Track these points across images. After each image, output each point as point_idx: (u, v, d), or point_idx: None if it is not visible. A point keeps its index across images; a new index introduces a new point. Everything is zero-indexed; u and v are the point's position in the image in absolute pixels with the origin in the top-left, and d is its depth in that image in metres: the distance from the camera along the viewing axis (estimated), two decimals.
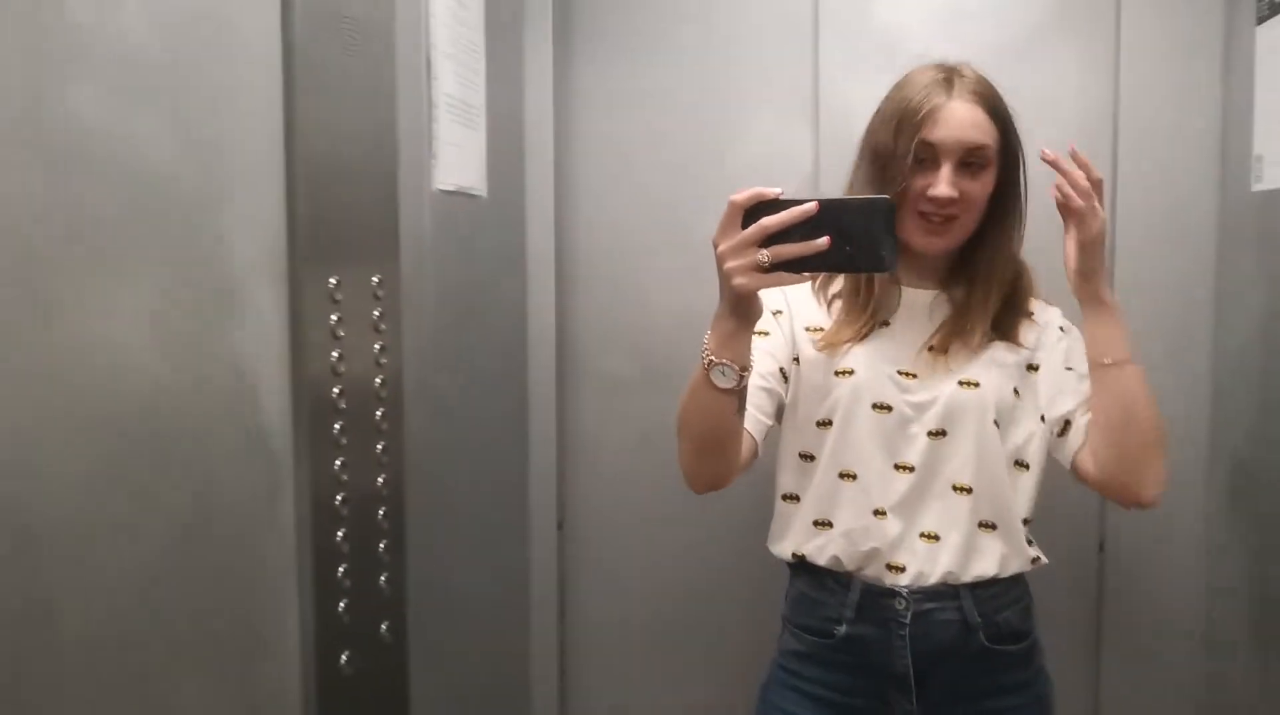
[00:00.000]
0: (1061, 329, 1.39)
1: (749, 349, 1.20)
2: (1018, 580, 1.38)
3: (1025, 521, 1.36)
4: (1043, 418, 1.35)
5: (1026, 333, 1.37)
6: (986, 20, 1.71)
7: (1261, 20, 1.50)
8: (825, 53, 1.76)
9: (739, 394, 1.21)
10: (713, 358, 1.18)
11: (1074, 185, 1.25)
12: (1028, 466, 1.34)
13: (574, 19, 1.83)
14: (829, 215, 1.10)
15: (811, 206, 1.09)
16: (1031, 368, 1.36)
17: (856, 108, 1.73)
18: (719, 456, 1.28)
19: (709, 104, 1.80)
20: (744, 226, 1.11)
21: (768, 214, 1.10)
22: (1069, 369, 1.36)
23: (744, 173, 1.80)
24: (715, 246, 1.13)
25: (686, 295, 1.84)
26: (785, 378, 1.38)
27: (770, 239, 1.10)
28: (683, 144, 1.82)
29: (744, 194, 1.11)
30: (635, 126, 1.83)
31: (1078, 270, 1.29)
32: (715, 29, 1.80)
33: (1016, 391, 1.34)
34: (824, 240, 1.09)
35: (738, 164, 1.81)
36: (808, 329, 1.39)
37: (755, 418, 1.33)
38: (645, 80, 1.83)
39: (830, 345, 1.36)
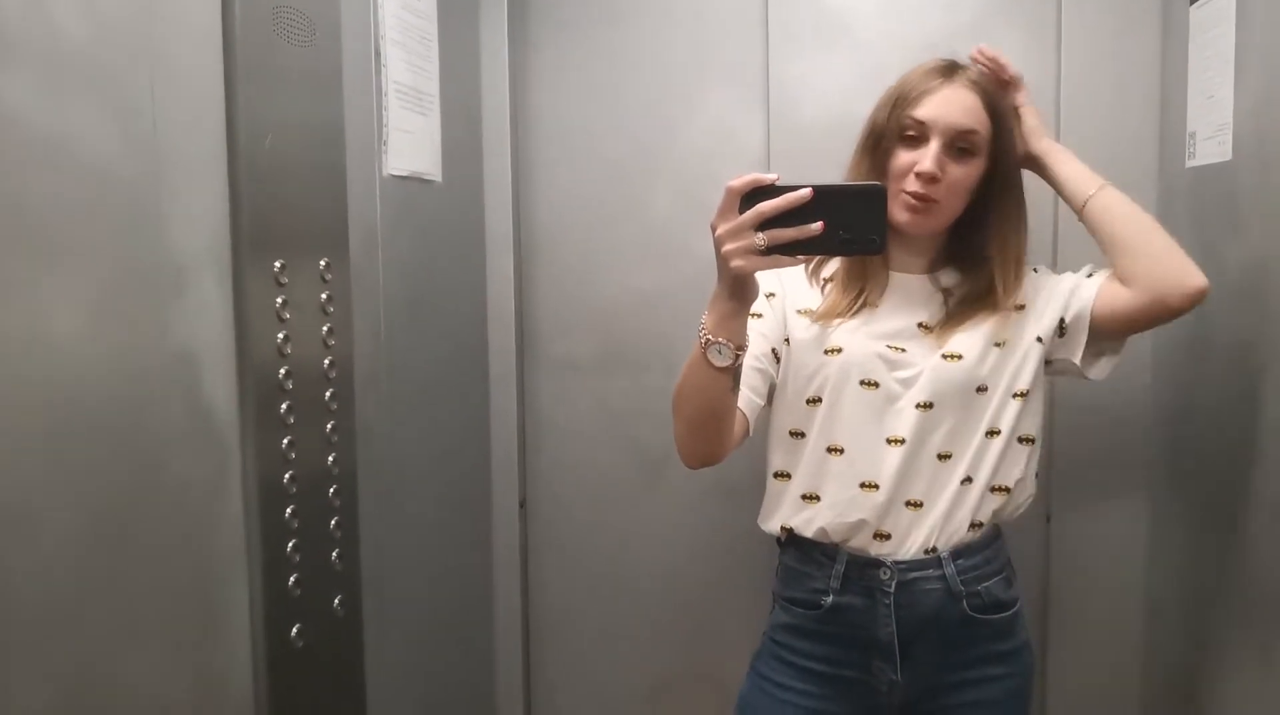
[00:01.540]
0: (1035, 270, 1.46)
1: (745, 328, 1.23)
2: (999, 551, 1.43)
3: (1001, 489, 1.40)
4: (1039, 339, 1.39)
5: (1021, 293, 1.42)
6: (931, 4, 1.74)
7: (1194, 1, 1.54)
8: (775, 35, 1.78)
9: (734, 372, 1.25)
10: (710, 337, 1.22)
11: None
12: (999, 432, 1.38)
13: (530, 4, 1.85)
14: (823, 200, 1.14)
15: (806, 192, 1.13)
16: (1018, 307, 1.41)
17: (805, 89, 1.79)
18: (714, 433, 1.32)
19: (663, 86, 1.83)
20: (741, 212, 1.14)
21: (764, 199, 1.14)
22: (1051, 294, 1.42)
23: (698, 153, 1.83)
24: (713, 230, 1.17)
25: (644, 275, 1.88)
26: (777, 358, 1.42)
27: (766, 223, 1.14)
28: (638, 125, 1.85)
29: (741, 180, 1.15)
30: (592, 109, 1.86)
31: (1031, 128, 1.43)
32: (668, 12, 1.82)
33: (1000, 343, 1.38)
34: (818, 224, 1.13)
35: (691, 145, 1.84)
36: (799, 311, 1.43)
37: (748, 397, 1.37)
38: (601, 63, 1.85)
39: (822, 317, 1.40)
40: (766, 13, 1.79)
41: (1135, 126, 1.71)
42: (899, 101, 1.35)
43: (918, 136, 1.34)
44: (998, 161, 1.37)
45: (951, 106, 1.33)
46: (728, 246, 1.15)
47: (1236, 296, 1.42)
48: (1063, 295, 1.41)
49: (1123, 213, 1.37)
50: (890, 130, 1.35)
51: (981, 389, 1.38)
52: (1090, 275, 1.42)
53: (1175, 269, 1.33)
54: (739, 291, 1.19)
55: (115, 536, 0.89)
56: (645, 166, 1.86)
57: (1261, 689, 1.35)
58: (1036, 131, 1.44)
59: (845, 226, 1.15)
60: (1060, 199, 1.47)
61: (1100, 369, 1.43)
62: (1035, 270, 1.46)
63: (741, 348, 1.23)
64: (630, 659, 1.96)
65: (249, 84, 1.03)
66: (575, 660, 1.97)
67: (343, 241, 1.21)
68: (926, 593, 1.37)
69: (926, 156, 1.32)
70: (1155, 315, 1.36)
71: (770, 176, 1.15)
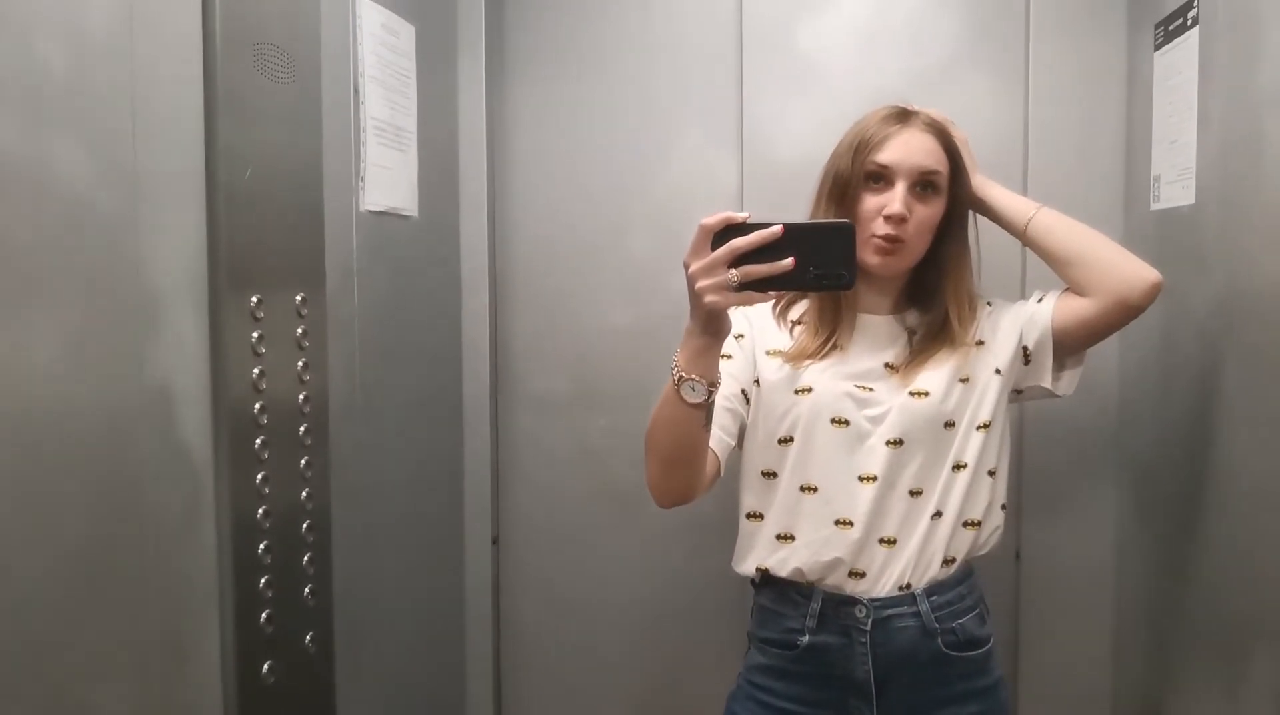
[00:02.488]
0: (989, 304, 1.49)
1: (717, 365, 1.25)
2: (972, 588, 1.44)
3: (971, 523, 1.41)
4: (997, 371, 1.42)
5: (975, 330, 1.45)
6: (902, 49, 1.78)
7: (1158, 47, 1.58)
8: (749, 77, 1.81)
9: (707, 408, 1.26)
10: (682, 373, 1.23)
11: None
12: (966, 466, 1.40)
13: (507, 43, 1.88)
14: (793, 238, 1.16)
15: (777, 229, 1.15)
16: (979, 343, 1.44)
17: (778, 129, 1.81)
18: (686, 471, 1.33)
19: (639, 126, 1.86)
20: (713, 249, 1.16)
21: (736, 237, 1.15)
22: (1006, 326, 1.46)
23: (672, 192, 1.85)
24: (686, 267, 1.18)
25: (620, 313, 1.89)
26: (747, 399, 1.43)
27: (739, 260, 1.15)
28: (614, 164, 1.87)
29: (714, 218, 1.16)
30: (568, 147, 1.88)
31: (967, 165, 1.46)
32: (645, 55, 1.85)
33: (964, 379, 1.41)
34: (789, 261, 1.15)
35: (666, 183, 1.86)
36: (769, 352, 1.44)
37: (719, 436, 1.38)
38: (577, 102, 1.87)
39: (793, 358, 1.42)
40: (740, 56, 1.82)
41: (1101, 170, 1.75)
42: (860, 148, 1.38)
43: (882, 181, 1.37)
44: (954, 200, 1.41)
45: (913, 149, 1.36)
46: (700, 283, 1.17)
47: (1200, 337, 1.45)
48: (1020, 324, 1.44)
49: (1064, 228, 1.42)
50: (855, 176, 1.37)
51: (949, 424, 1.40)
52: (1040, 300, 1.45)
53: (1129, 270, 1.38)
54: (712, 327, 1.21)
55: (88, 570, 0.88)
56: (621, 205, 1.88)
57: None
58: (972, 167, 1.48)
59: (816, 263, 1.17)
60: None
61: (1066, 383, 1.47)
62: (989, 304, 1.49)
63: (714, 384, 1.24)
64: (603, 698, 1.94)
65: (229, 119, 1.04)
66: (548, 698, 1.96)
67: (319, 276, 1.21)
68: (902, 630, 1.38)
69: (895, 198, 1.35)
70: (1118, 317, 1.40)
71: (741, 215, 1.17)
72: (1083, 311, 1.40)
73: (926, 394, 1.39)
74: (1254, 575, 1.29)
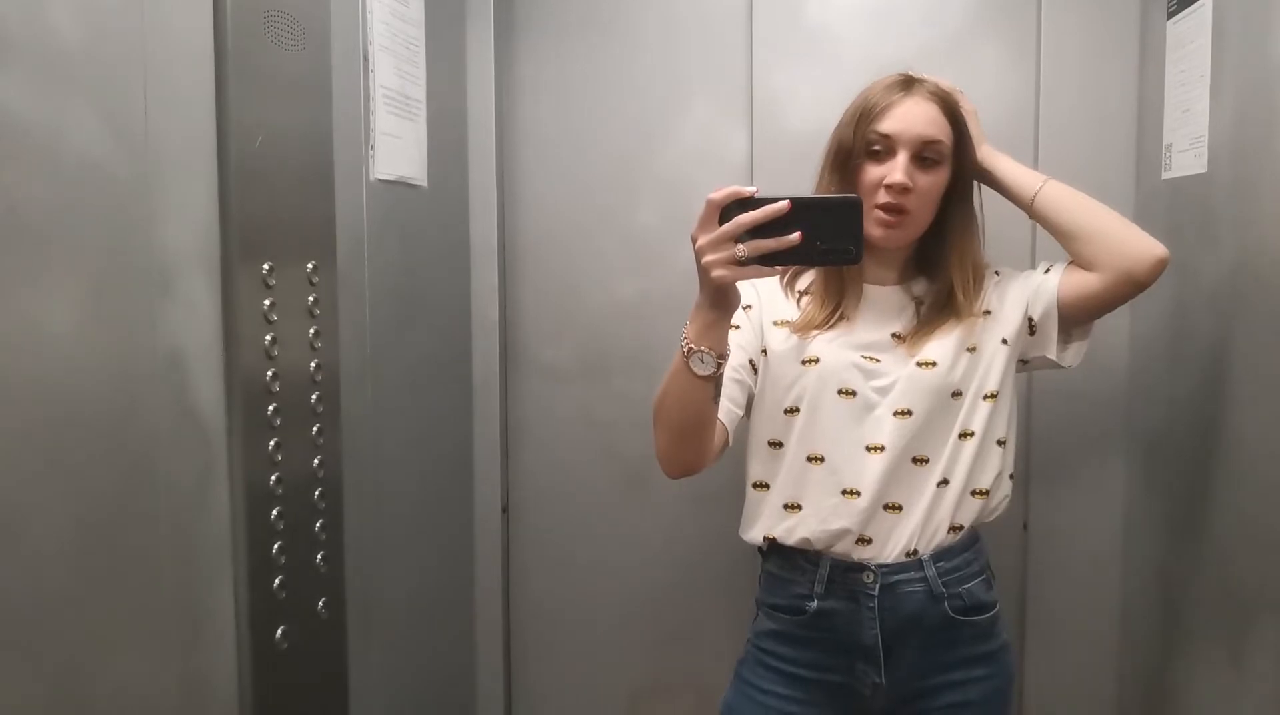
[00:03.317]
0: (998, 273, 1.48)
1: (726, 337, 1.25)
2: (978, 554, 1.45)
3: (979, 492, 1.42)
4: (1004, 341, 1.42)
5: (983, 299, 1.45)
6: (913, 19, 1.77)
7: (1171, 15, 1.57)
8: (759, 48, 1.80)
9: (715, 381, 1.27)
10: (692, 346, 1.23)
11: None
12: (973, 434, 1.41)
13: (516, 12, 1.87)
14: (800, 212, 1.16)
15: (784, 204, 1.15)
16: (986, 313, 1.44)
17: (788, 101, 1.81)
18: (695, 442, 1.34)
19: (648, 96, 1.85)
20: (720, 223, 1.16)
21: (743, 211, 1.16)
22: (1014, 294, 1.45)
23: (681, 163, 1.85)
24: (694, 241, 1.18)
25: (628, 284, 1.89)
26: (754, 369, 1.44)
27: (746, 234, 1.16)
28: (623, 135, 1.87)
29: (722, 192, 1.17)
30: (577, 118, 1.88)
31: (974, 136, 1.45)
32: (654, 25, 1.84)
33: (971, 348, 1.41)
34: (796, 235, 1.15)
35: (675, 154, 1.85)
36: (776, 323, 1.45)
37: (727, 407, 1.39)
38: (586, 73, 1.87)
39: (800, 329, 1.42)
40: (751, 26, 1.81)
41: (1113, 139, 1.74)
42: (863, 117, 1.37)
43: (884, 150, 1.36)
44: (958, 170, 1.40)
45: (915, 118, 1.35)
46: (709, 257, 1.17)
47: (1211, 307, 1.45)
48: (1026, 295, 1.44)
49: (1071, 201, 1.41)
50: (857, 147, 1.37)
51: (956, 394, 1.40)
52: (1048, 271, 1.45)
53: (1135, 244, 1.37)
54: (720, 301, 1.21)
55: (102, 536, 0.89)
56: (629, 176, 1.87)
57: (1232, 690, 1.37)
58: (979, 138, 1.47)
59: (822, 237, 1.17)
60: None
61: (1073, 355, 1.47)
62: (997, 273, 1.48)
63: (723, 356, 1.25)
64: (612, 663, 1.96)
65: (239, 87, 1.04)
66: (557, 665, 1.98)
67: (330, 244, 1.22)
68: (909, 595, 1.39)
69: (896, 168, 1.34)
70: (1124, 292, 1.39)
71: (749, 189, 1.17)
72: (1088, 285, 1.40)
73: (934, 364, 1.39)
74: (1261, 546, 1.30)
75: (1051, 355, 1.44)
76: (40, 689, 0.83)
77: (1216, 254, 1.43)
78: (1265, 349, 1.29)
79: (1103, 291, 1.39)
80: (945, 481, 1.40)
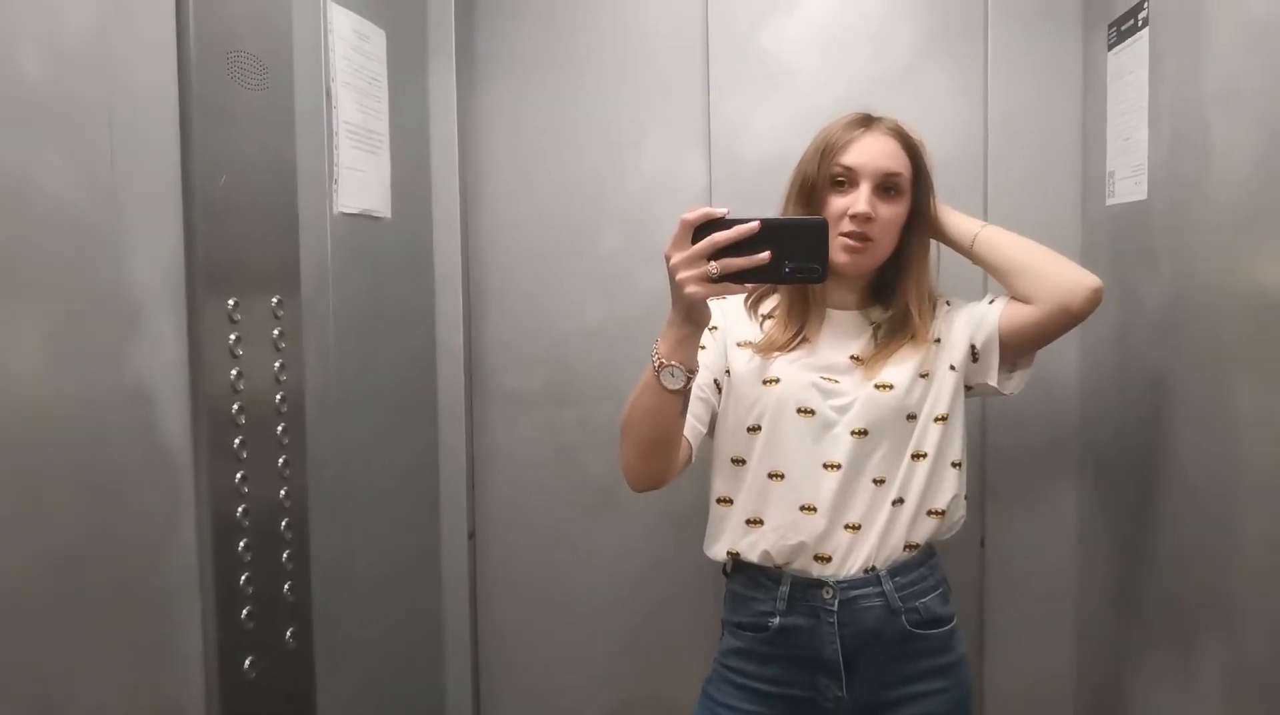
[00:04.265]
0: (948, 303, 1.54)
1: (696, 353, 1.30)
2: (933, 570, 1.49)
3: (935, 512, 1.46)
4: (951, 367, 1.47)
5: (933, 327, 1.50)
6: (864, 50, 1.82)
7: (1111, 47, 1.62)
8: (715, 77, 1.85)
9: (684, 395, 1.32)
10: (663, 361, 1.28)
11: None
12: (925, 456, 1.45)
13: (477, 47, 1.90)
14: (770, 233, 1.21)
15: (755, 225, 1.21)
16: (936, 341, 1.49)
17: (744, 129, 1.85)
18: (661, 456, 1.39)
19: (608, 128, 1.89)
20: (693, 242, 1.21)
21: (715, 231, 1.21)
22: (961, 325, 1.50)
23: (642, 191, 1.89)
24: (668, 259, 1.24)
25: (591, 311, 1.92)
26: (719, 388, 1.49)
27: (718, 253, 1.21)
28: (583, 165, 1.90)
29: (695, 213, 1.22)
30: (538, 149, 1.91)
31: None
32: (611, 56, 1.88)
33: (924, 374, 1.46)
34: (765, 255, 1.21)
35: (636, 183, 1.89)
36: (739, 344, 1.50)
37: (691, 424, 1.43)
38: (547, 105, 1.90)
39: (763, 350, 1.47)
40: (706, 57, 1.85)
41: (1059, 167, 1.79)
42: (826, 152, 1.43)
43: (847, 182, 1.42)
44: (916, 202, 1.47)
45: (876, 152, 1.42)
46: (682, 274, 1.22)
47: (1153, 331, 1.50)
48: (970, 325, 1.49)
49: (1007, 241, 1.48)
50: (821, 179, 1.43)
51: (911, 417, 1.45)
52: (992, 302, 1.50)
53: (1069, 277, 1.43)
54: (692, 317, 1.26)
55: (71, 569, 0.90)
56: (592, 204, 1.91)
57: (1182, 699, 1.41)
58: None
59: (790, 257, 1.22)
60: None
61: (1015, 384, 1.52)
62: (948, 303, 1.54)
63: (693, 371, 1.29)
64: (581, 686, 1.98)
65: (204, 125, 1.06)
66: (526, 688, 1.99)
67: (294, 278, 1.24)
68: (867, 610, 1.42)
69: (860, 199, 1.40)
70: (1060, 322, 1.44)
71: (721, 210, 1.22)
72: (1027, 316, 1.45)
73: (891, 387, 1.44)
74: (1204, 560, 1.34)
75: (993, 382, 1.49)
76: None
77: (1157, 279, 1.48)
78: (1203, 370, 1.34)
79: (1040, 322, 1.44)
80: (900, 501, 1.44)
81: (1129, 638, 1.61)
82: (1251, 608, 1.21)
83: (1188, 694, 1.39)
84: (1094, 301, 1.42)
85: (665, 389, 1.29)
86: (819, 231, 1.24)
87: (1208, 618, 1.33)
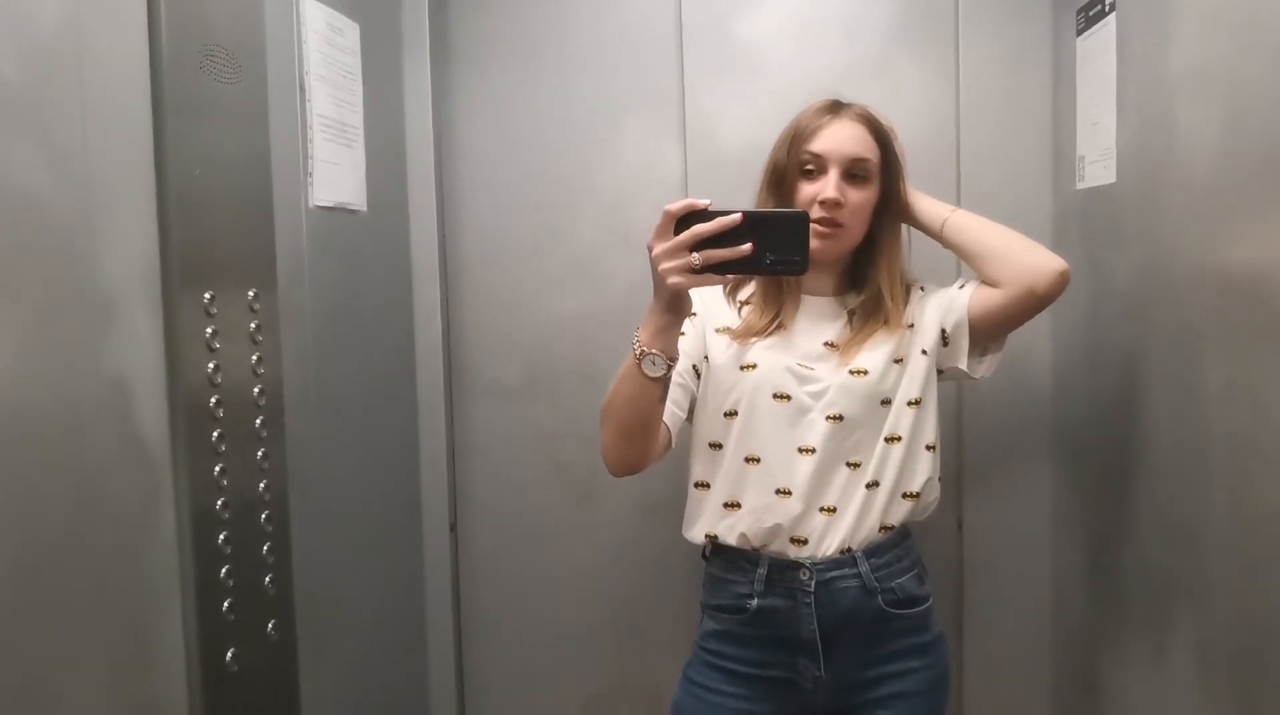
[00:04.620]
0: (922, 289, 1.55)
1: (676, 341, 1.32)
2: (908, 550, 1.51)
3: (910, 495, 1.48)
4: (924, 352, 1.48)
5: (906, 312, 1.52)
6: (837, 38, 1.83)
7: (1080, 32, 1.64)
8: (689, 68, 1.85)
9: (665, 382, 1.34)
10: (644, 348, 1.30)
11: None
12: (900, 439, 1.47)
13: (452, 38, 1.90)
14: (752, 224, 1.23)
15: (737, 217, 1.23)
16: (909, 326, 1.50)
17: (719, 119, 1.86)
18: (641, 441, 1.41)
19: (584, 118, 1.89)
20: (676, 233, 1.23)
21: (697, 222, 1.23)
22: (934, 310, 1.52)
23: (618, 181, 1.89)
24: (650, 250, 1.25)
25: (569, 301, 1.93)
26: (697, 374, 1.50)
27: (700, 244, 1.23)
28: (560, 155, 1.91)
29: (678, 204, 1.24)
30: (514, 140, 1.91)
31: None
32: (587, 46, 1.88)
33: (899, 360, 1.47)
34: (747, 246, 1.22)
35: (612, 173, 1.89)
36: (717, 330, 1.51)
37: (670, 409, 1.45)
38: (522, 95, 1.90)
39: (740, 336, 1.48)
40: (681, 46, 1.86)
41: (1030, 151, 1.81)
42: (795, 139, 1.45)
43: (816, 169, 1.44)
44: (886, 187, 1.48)
45: (843, 138, 1.43)
46: (665, 265, 1.24)
47: (1124, 313, 1.52)
48: (941, 310, 1.51)
49: (976, 225, 1.50)
50: (791, 167, 1.45)
51: (885, 402, 1.47)
52: (963, 287, 1.52)
53: (1036, 260, 1.45)
54: (674, 306, 1.28)
55: (50, 562, 0.91)
56: (568, 195, 1.91)
57: (1154, 676, 1.43)
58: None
59: (772, 249, 1.24)
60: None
61: (986, 368, 1.54)
62: (922, 289, 1.56)
63: (674, 359, 1.31)
64: (563, 673, 1.99)
65: (177, 120, 1.06)
66: (509, 677, 2.00)
67: (271, 271, 1.24)
68: (844, 591, 1.44)
69: (828, 184, 1.42)
70: (1028, 306, 1.46)
71: (704, 201, 1.23)
72: (995, 300, 1.47)
73: (865, 373, 1.45)
74: (1175, 539, 1.36)
75: (963, 366, 1.51)
76: None
77: (1127, 261, 1.50)
78: (1172, 350, 1.36)
79: (1008, 305, 1.46)
80: (875, 484, 1.46)
81: (1103, 615, 1.64)
82: (1220, 585, 1.24)
83: (1160, 670, 1.41)
84: (1060, 284, 1.44)
85: (646, 376, 1.31)
86: (800, 224, 1.26)
87: (1179, 594, 1.35)
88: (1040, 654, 1.90)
